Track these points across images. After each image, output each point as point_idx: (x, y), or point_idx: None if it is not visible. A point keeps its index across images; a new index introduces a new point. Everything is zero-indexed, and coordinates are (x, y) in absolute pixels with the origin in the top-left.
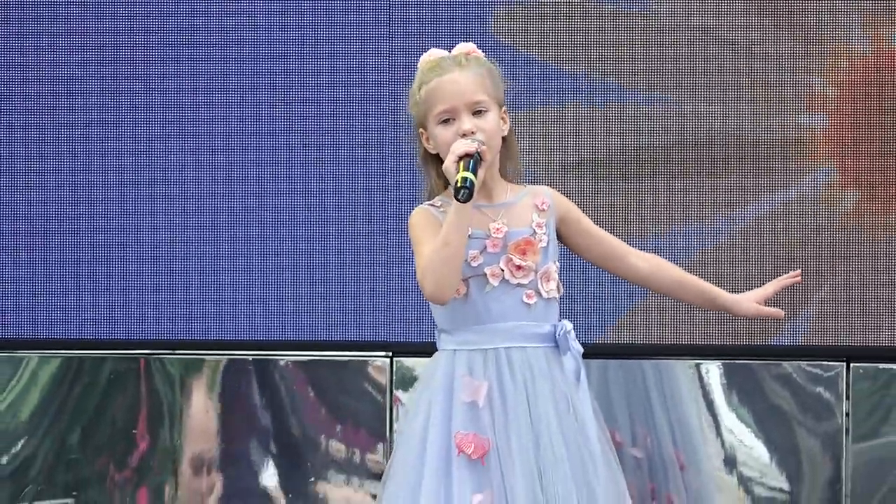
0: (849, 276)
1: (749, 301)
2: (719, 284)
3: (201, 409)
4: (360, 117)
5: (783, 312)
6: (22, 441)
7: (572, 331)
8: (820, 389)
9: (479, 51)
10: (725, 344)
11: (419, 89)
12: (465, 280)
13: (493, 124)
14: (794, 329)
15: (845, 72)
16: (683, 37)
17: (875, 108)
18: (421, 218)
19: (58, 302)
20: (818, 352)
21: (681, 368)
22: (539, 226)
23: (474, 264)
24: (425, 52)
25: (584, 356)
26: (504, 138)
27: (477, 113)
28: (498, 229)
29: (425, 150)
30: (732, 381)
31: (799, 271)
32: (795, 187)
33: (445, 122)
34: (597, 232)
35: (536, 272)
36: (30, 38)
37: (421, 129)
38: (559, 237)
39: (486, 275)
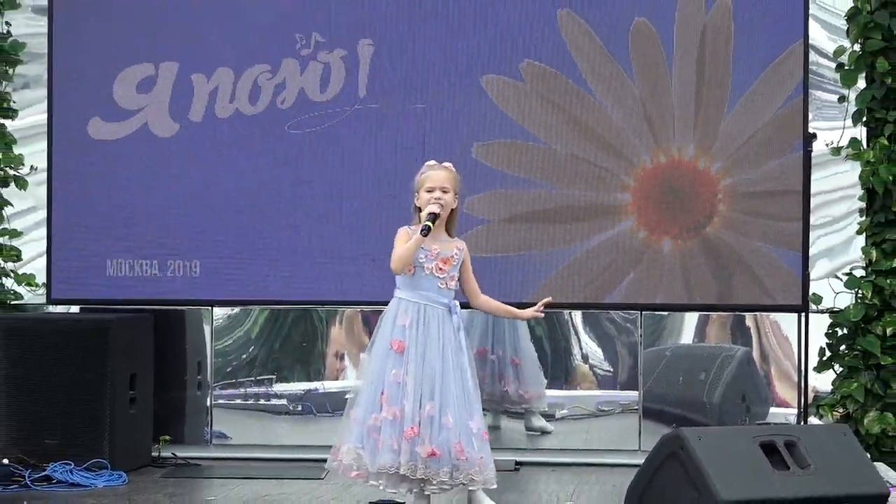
0: (640, 271)
1: (526, 312)
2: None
3: (337, 333)
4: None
5: (548, 299)
6: (251, 348)
7: (458, 306)
8: (629, 325)
9: (453, 167)
10: (581, 302)
11: (421, 174)
12: (413, 267)
13: (450, 199)
14: (616, 295)
15: (640, 173)
16: (557, 161)
17: (654, 190)
18: (402, 232)
19: (266, 278)
20: (628, 306)
21: (557, 315)
22: (455, 255)
23: (420, 261)
24: (428, 161)
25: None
26: (452, 210)
27: (444, 192)
28: (435, 249)
29: (416, 203)
30: (586, 321)
31: (549, 299)
32: (616, 229)
33: (429, 191)
34: (470, 276)
35: (448, 274)
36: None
37: (417, 192)
38: None
39: (424, 267)
